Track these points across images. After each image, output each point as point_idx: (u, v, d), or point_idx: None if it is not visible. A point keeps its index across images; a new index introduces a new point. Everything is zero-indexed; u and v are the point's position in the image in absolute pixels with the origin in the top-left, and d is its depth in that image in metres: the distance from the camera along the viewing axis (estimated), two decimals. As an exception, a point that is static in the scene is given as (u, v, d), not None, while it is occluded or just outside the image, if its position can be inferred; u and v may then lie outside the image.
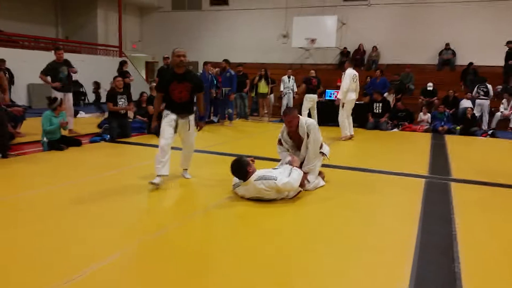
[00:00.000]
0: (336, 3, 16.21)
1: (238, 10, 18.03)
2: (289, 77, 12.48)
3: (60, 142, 6.43)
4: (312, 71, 10.80)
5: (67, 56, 8.36)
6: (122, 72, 10.81)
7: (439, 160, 6.65)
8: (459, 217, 3.77)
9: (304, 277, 2.57)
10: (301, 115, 6.61)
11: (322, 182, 4.70)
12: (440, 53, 14.83)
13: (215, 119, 10.79)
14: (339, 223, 3.58)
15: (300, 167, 4.46)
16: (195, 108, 4.82)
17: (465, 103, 11.30)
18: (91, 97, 14.31)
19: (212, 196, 4.22)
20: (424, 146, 8.05)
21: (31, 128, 7.46)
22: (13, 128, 7.09)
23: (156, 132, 4.88)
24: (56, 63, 7.84)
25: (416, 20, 15.33)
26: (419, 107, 11.41)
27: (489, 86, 11.43)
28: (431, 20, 15.09)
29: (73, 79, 8.43)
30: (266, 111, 12.54)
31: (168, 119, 4.49)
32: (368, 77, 12.55)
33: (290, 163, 4.35)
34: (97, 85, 12.46)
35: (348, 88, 8.20)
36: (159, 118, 4.68)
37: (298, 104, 11.75)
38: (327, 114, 10.43)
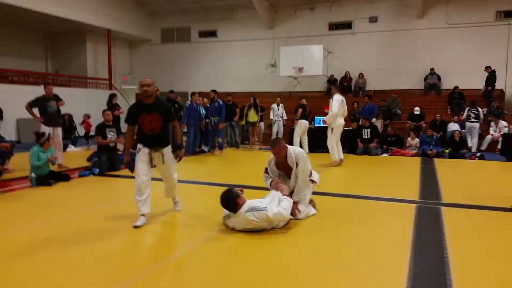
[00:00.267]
0: (321, 32, 16.60)
1: (226, 41, 18.35)
2: (278, 105, 12.61)
3: (48, 177, 6.36)
4: (303, 100, 10.95)
5: (56, 90, 8.37)
6: (112, 105, 10.84)
7: (429, 184, 6.68)
8: (450, 242, 3.76)
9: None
10: (292, 142, 6.63)
11: (313, 211, 4.67)
12: (426, 78, 15.15)
13: (206, 149, 10.79)
14: (330, 253, 3.54)
15: (290, 195, 4.44)
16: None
17: (453, 126, 11.48)
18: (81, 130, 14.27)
19: (202, 229, 4.16)
20: (413, 170, 8.10)
21: (20, 163, 7.37)
22: (1, 164, 7.01)
23: (129, 167, 4.60)
24: (44, 98, 7.83)
25: (400, 47, 15.71)
26: (407, 131, 11.55)
27: (480, 109, 11.68)
28: (415, 46, 15.48)
29: (61, 112, 8.40)
30: (256, 139, 12.59)
31: (141, 154, 4.30)
32: (355, 103, 12.73)
33: (279, 190, 4.34)
34: (69, 117, 12.37)
35: (338, 112, 8.30)
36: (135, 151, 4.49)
37: (288, 131, 11.85)
38: (317, 141, 10.50)
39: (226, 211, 4.14)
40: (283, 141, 4.69)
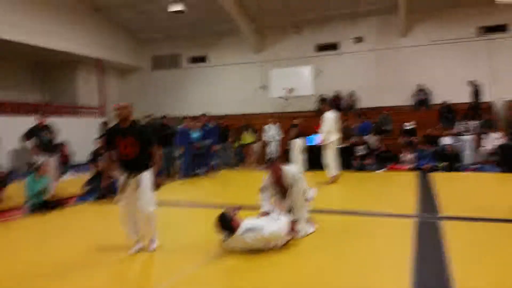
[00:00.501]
0: (309, 54, 16.86)
1: (216, 66, 18.54)
2: (270, 126, 12.68)
3: (43, 206, 6.29)
4: (296, 120, 11.01)
5: (49, 120, 8.38)
6: (103, 132, 10.83)
7: (426, 198, 6.69)
8: (452, 255, 3.74)
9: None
10: (289, 160, 6.63)
11: (311, 229, 4.64)
12: (415, 94, 15.36)
13: (201, 172, 10.74)
14: (330, 273, 3.50)
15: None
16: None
17: (446, 140, 11.58)
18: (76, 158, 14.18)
19: (200, 254, 4.10)
20: (410, 185, 8.11)
21: (14, 193, 7.26)
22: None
23: (105, 193, 4.42)
24: (37, 128, 7.85)
25: (387, 64, 15.98)
26: (400, 147, 11.63)
27: (469, 123, 11.82)
28: (401, 63, 15.76)
29: (54, 142, 8.39)
30: (252, 160, 12.61)
31: (120, 182, 4.16)
32: (345, 121, 12.86)
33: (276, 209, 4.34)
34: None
35: (330, 129, 8.37)
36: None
37: (284, 151, 11.89)
38: (315, 159, 10.50)
39: (224, 233, 4.11)
40: (278, 162, 4.71)
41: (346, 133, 12.19)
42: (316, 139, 11.02)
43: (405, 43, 15.77)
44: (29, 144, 7.78)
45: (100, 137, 9.68)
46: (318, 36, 16.90)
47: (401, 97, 15.63)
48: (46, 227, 5.60)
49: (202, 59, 18.92)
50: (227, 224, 4.00)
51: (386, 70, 15.94)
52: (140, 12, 16.89)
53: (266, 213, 4.41)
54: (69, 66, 17.97)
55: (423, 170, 10.04)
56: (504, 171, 9.63)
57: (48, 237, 5.05)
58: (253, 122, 13.00)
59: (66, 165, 12.28)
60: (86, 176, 10.14)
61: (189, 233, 5.01)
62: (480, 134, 11.83)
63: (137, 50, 19.59)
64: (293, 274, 3.48)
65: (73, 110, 17.34)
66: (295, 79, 15.25)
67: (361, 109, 15.39)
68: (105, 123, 11.33)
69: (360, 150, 10.60)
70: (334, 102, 15.91)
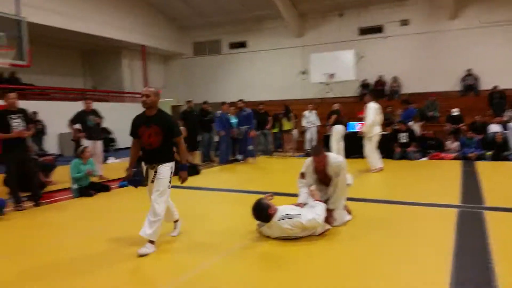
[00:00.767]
0: (352, 37, 16.44)
1: (256, 51, 18.50)
2: (310, 112, 12.55)
3: (89, 188, 6.60)
4: (336, 105, 10.83)
5: (95, 105, 8.72)
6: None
7: (471, 188, 6.43)
8: (496, 248, 3.60)
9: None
10: (328, 148, 6.50)
11: (348, 217, 4.58)
12: (463, 79, 14.66)
13: (240, 157, 10.85)
14: (368, 261, 3.45)
15: (325, 202, 4.38)
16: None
17: (494, 128, 11.00)
18: (120, 143, 14.74)
19: (236, 237, 4.17)
20: (454, 174, 7.83)
21: (63, 176, 7.67)
22: (45, 177, 7.32)
23: (130, 182, 4.11)
24: (84, 112, 8.16)
25: (434, 48, 15.31)
26: (446, 134, 11.20)
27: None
28: (449, 47, 15.03)
29: (101, 126, 8.73)
30: (290, 147, 12.57)
31: (143, 172, 4.02)
32: (389, 107, 12.50)
33: (312, 196, 4.30)
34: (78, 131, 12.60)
35: (374, 121, 8.17)
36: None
37: (322, 137, 11.77)
38: (351, 146, 10.34)
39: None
40: (324, 150, 4.54)
41: (388, 119, 11.89)
42: (357, 127, 10.82)
43: (453, 26, 15.02)
44: (76, 128, 8.13)
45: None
46: (361, 19, 16.44)
47: (448, 83, 14.98)
48: (92, 208, 5.88)
49: (242, 45, 18.96)
50: (264, 212, 3.99)
51: (433, 54, 15.29)
52: (181, -1, 17.09)
53: (302, 204, 4.35)
54: (115, 53, 18.58)
55: (468, 159, 9.62)
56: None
57: (94, 219, 5.31)
58: (293, 108, 12.91)
59: (110, 149, 12.81)
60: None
61: (226, 218, 5.10)
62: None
63: (179, 37, 19.91)
64: (328, 263, 3.45)
65: (119, 95, 17.95)
66: (336, 64, 14.98)
67: (404, 94, 14.89)
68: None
69: (403, 137, 10.28)
70: (377, 88, 15.50)
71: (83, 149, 6.81)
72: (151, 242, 3.79)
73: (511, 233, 4.09)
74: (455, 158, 9.87)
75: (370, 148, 8.33)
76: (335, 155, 4.59)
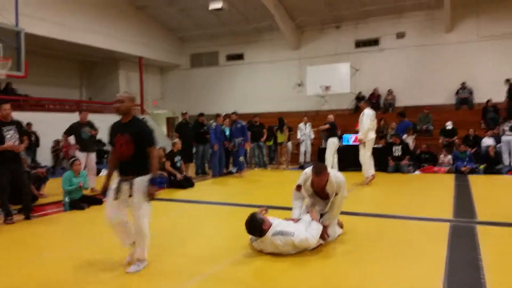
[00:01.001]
0: (348, 50, 16.58)
1: (253, 63, 18.62)
2: (305, 124, 12.59)
3: (81, 201, 6.55)
4: (331, 116, 10.88)
5: (91, 116, 8.71)
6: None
7: (463, 202, 6.44)
8: (487, 262, 3.59)
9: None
10: (322, 160, 6.42)
11: (339, 231, 4.55)
12: (457, 93, 14.77)
13: (234, 170, 10.83)
14: (362, 276, 3.44)
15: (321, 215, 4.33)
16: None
17: (487, 141, 11.08)
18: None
19: (227, 252, 4.15)
20: (447, 188, 7.84)
21: (55, 188, 7.64)
22: (37, 189, 7.28)
23: (104, 195, 3.78)
24: (79, 124, 8.15)
25: (429, 62, 15.43)
26: (440, 147, 11.25)
27: (512, 123, 11.26)
28: (444, 61, 15.16)
29: (96, 138, 8.72)
30: (284, 159, 12.59)
31: (113, 183, 3.69)
32: (382, 120, 12.57)
33: (311, 215, 4.20)
34: (57, 144, 12.56)
35: (369, 127, 8.22)
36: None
37: (316, 150, 11.78)
38: (347, 159, 10.36)
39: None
40: (327, 170, 4.30)
41: (381, 132, 11.94)
42: (352, 138, 10.86)
43: (450, 39, 15.17)
44: (70, 140, 8.10)
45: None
46: (358, 31, 16.60)
47: (443, 96, 15.09)
48: (83, 221, 5.83)
49: (239, 57, 19.09)
50: (257, 226, 3.95)
51: (428, 67, 15.42)
52: (179, 10, 17.24)
53: (296, 220, 4.28)
54: (111, 64, 18.64)
55: (461, 172, 9.65)
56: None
57: (85, 232, 5.27)
58: (288, 120, 12.96)
59: (104, 161, 12.77)
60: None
61: (217, 232, 5.07)
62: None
63: (176, 48, 20.03)
64: (322, 279, 3.43)
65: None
66: (332, 76, 15.09)
67: (399, 107, 14.98)
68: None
69: (397, 151, 10.31)
70: (371, 100, 15.60)
71: (72, 161, 6.78)
72: (144, 260, 3.71)
73: (502, 248, 4.09)
74: (448, 172, 9.90)
75: (365, 154, 8.37)
76: (336, 173, 4.40)
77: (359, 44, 16.65)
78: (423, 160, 10.57)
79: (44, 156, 13.28)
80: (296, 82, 17.40)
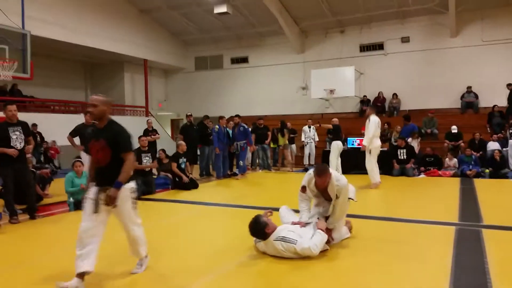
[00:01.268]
0: (352, 54, 16.58)
1: (257, 67, 18.65)
2: (309, 127, 12.59)
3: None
4: (335, 119, 10.87)
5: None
6: (147, 131, 11.27)
7: (469, 206, 6.40)
8: (494, 266, 3.56)
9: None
10: (327, 163, 6.36)
11: (347, 234, 4.52)
12: (462, 97, 14.73)
13: (237, 172, 10.81)
14: (367, 279, 3.41)
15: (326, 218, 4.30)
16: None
17: (493, 145, 11.02)
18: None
19: (232, 254, 4.14)
20: (452, 191, 7.80)
21: (60, 189, 7.66)
22: (42, 189, 7.31)
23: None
24: (84, 125, 8.15)
25: (434, 66, 15.41)
26: (445, 151, 11.21)
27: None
28: (449, 65, 15.14)
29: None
30: (287, 161, 12.60)
31: (89, 193, 3.42)
32: (386, 124, 12.56)
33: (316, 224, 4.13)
34: (46, 144, 12.59)
35: (374, 134, 8.20)
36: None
37: (320, 152, 11.76)
38: (351, 162, 10.34)
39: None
40: (329, 171, 4.29)
41: (385, 136, 11.93)
42: (356, 143, 10.84)
43: (454, 43, 15.16)
44: (75, 143, 8.12)
45: (143, 135, 9.99)
46: (362, 36, 16.61)
47: (448, 100, 15.06)
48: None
49: (243, 60, 19.11)
50: (261, 230, 3.93)
51: (433, 71, 15.39)
52: (184, 13, 17.30)
53: (302, 223, 4.24)
54: (116, 67, 18.72)
55: (467, 176, 9.60)
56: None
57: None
58: (292, 123, 12.97)
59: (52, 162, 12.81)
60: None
61: (221, 234, 5.06)
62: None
63: (181, 51, 20.11)
64: (325, 280, 3.41)
65: (119, 108, 18.01)
66: (336, 80, 15.09)
67: (403, 111, 14.95)
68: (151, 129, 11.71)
69: (402, 154, 10.28)
70: (376, 104, 15.58)
71: (73, 162, 6.78)
72: (146, 256, 3.70)
73: (509, 252, 4.05)
74: (453, 176, 9.85)
75: (370, 161, 8.33)
76: (339, 176, 4.36)
77: (364, 48, 16.66)
78: (428, 164, 10.52)
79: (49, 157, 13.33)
80: (300, 85, 17.42)
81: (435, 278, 3.39)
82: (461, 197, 7.21)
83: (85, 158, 7.72)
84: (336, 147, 10.15)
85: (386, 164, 10.11)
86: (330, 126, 10.37)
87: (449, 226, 5.02)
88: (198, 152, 10.76)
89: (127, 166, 3.37)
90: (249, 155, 12.21)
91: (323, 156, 10.96)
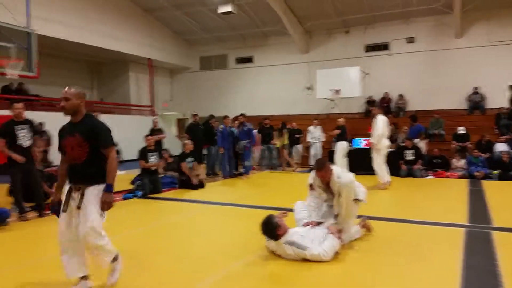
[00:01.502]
0: (357, 54, 16.52)
1: (262, 66, 18.64)
2: (315, 127, 12.56)
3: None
4: (341, 120, 10.82)
5: (102, 117, 8.74)
6: (153, 130, 11.27)
7: (478, 207, 6.35)
8: (505, 269, 3.53)
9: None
10: (332, 162, 6.32)
11: (357, 234, 4.47)
12: (469, 97, 14.65)
13: (242, 172, 10.78)
14: (377, 281, 3.39)
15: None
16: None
17: (500, 147, 10.94)
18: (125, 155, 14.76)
19: (241, 253, 4.13)
20: (461, 193, 7.75)
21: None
22: (49, 187, 7.31)
23: (53, 210, 3.22)
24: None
25: (440, 66, 15.34)
26: (452, 152, 11.14)
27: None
28: (456, 65, 15.06)
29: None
30: (293, 162, 12.56)
31: (64, 194, 3.19)
32: (392, 125, 12.49)
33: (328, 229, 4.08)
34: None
35: (383, 133, 8.14)
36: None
37: (327, 153, 11.73)
38: (357, 162, 10.27)
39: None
40: (329, 164, 4.34)
41: (392, 137, 11.85)
42: (363, 142, 10.80)
43: (460, 44, 15.08)
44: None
45: (149, 134, 10.00)
46: (367, 36, 16.55)
47: (454, 101, 14.97)
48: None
49: (248, 60, 19.11)
50: (272, 230, 3.90)
51: (439, 72, 15.32)
52: (189, 13, 17.31)
53: (313, 223, 4.21)
54: (122, 66, 18.75)
55: (475, 177, 9.54)
56: None
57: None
58: (298, 123, 12.94)
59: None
60: (135, 172, 10.54)
61: (228, 233, 5.04)
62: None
63: (186, 51, 20.12)
64: (334, 280, 3.40)
65: (125, 108, 18.06)
66: (342, 80, 15.04)
67: (410, 112, 14.88)
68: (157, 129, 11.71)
69: (409, 155, 10.22)
70: (382, 104, 15.52)
71: None
72: (114, 259, 3.25)
73: (520, 255, 4.01)
74: (461, 177, 9.79)
75: (378, 161, 8.28)
76: (341, 173, 4.32)
77: (369, 48, 16.60)
78: (435, 165, 10.46)
79: (57, 155, 13.35)
80: (305, 85, 17.39)
81: (445, 280, 3.37)
82: (469, 198, 7.16)
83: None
84: (341, 147, 10.12)
85: (393, 165, 10.04)
86: (338, 131, 10.32)
87: (458, 228, 4.99)
88: (205, 152, 10.75)
89: (112, 164, 3.12)
90: (256, 154, 12.19)
91: (329, 157, 10.92)
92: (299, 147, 12.87)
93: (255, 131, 11.59)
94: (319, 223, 4.23)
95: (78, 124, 3.16)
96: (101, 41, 15.37)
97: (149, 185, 7.71)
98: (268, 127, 11.86)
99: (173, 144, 14.47)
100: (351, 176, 4.33)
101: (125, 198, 7.34)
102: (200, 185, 8.53)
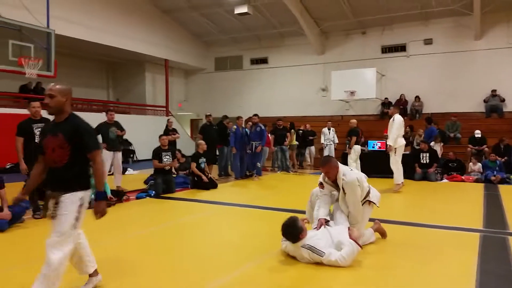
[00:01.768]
0: (374, 56, 16.39)
1: (277, 67, 18.63)
2: (329, 129, 12.49)
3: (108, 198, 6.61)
4: (353, 121, 10.73)
5: (117, 116, 8.85)
6: (167, 130, 11.35)
7: (494, 212, 6.23)
8: (521, 275, 3.46)
9: None
10: (346, 164, 6.26)
11: (371, 238, 4.42)
12: (486, 100, 14.39)
13: (255, 173, 10.76)
14: (389, 286, 3.34)
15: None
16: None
17: (518, 151, 10.73)
18: (139, 154, 14.92)
19: (255, 253, 4.13)
20: (476, 197, 7.62)
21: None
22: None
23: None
24: (106, 124, 8.28)
25: (458, 68, 15.11)
26: (468, 156, 10.95)
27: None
28: (473, 68, 14.82)
29: (123, 138, 8.86)
30: (307, 163, 12.53)
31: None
32: (408, 127, 12.34)
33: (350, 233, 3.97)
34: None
35: (399, 134, 8.07)
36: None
37: (340, 155, 11.65)
38: (371, 165, 10.17)
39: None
40: (334, 160, 4.32)
41: (408, 139, 11.70)
42: (378, 144, 10.69)
43: (479, 46, 14.84)
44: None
45: (163, 134, 10.07)
46: (384, 37, 16.43)
47: (471, 103, 14.74)
48: (107, 218, 5.89)
49: (263, 61, 19.12)
50: (295, 233, 3.83)
51: (457, 74, 15.10)
52: (205, 14, 17.41)
53: (323, 220, 4.15)
54: (138, 66, 18.97)
55: (491, 182, 9.36)
56: None
57: (107, 228, 5.32)
58: (312, 125, 12.89)
59: (130, 160, 12.97)
60: (148, 172, 10.63)
61: (243, 233, 5.04)
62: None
63: (201, 52, 20.24)
64: (347, 283, 3.37)
65: (140, 108, 18.24)
66: (357, 81, 14.93)
67: (426, 114, 14.69)
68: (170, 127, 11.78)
69: (425, 158, 10.08)
70: (399, 106, 15.34)
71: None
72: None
73: (537, 261, 3.92)
74: (476, 181, 9.61)
75: (395, 161, 8.20)
76: (348, 171, 4.26)
77: (386, 50, 16.46)
78: (450, 169, 10.30)
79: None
80: (320, 86, 17.32)
81: (460, 285, 3.31)
82: (485, 203, 7.03)
83: (107, 155, 7.85)
84: (354, 150, 10.06)
85: (408, 168, 9.92)
86: (354, 139, 10.25)
87: (473, 233, 4.90)
88: (217, 152, 10.78)
89: (99, 170, 2.89)
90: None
91: (343, 159, 10.84)
92: (312, 148, 12.82)
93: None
94: (327, 221, 4.18)
95: (62, 124, 2.89)
96: (119, 42, 15.58)
97: (162, 185, 7.76)
98: (281, 128, 11.83)
99: (188, 144, 14.56)
100: (358, 175, 4.27)
101: (138, 198, 7.41)
102: (213, 186, 8.56)
